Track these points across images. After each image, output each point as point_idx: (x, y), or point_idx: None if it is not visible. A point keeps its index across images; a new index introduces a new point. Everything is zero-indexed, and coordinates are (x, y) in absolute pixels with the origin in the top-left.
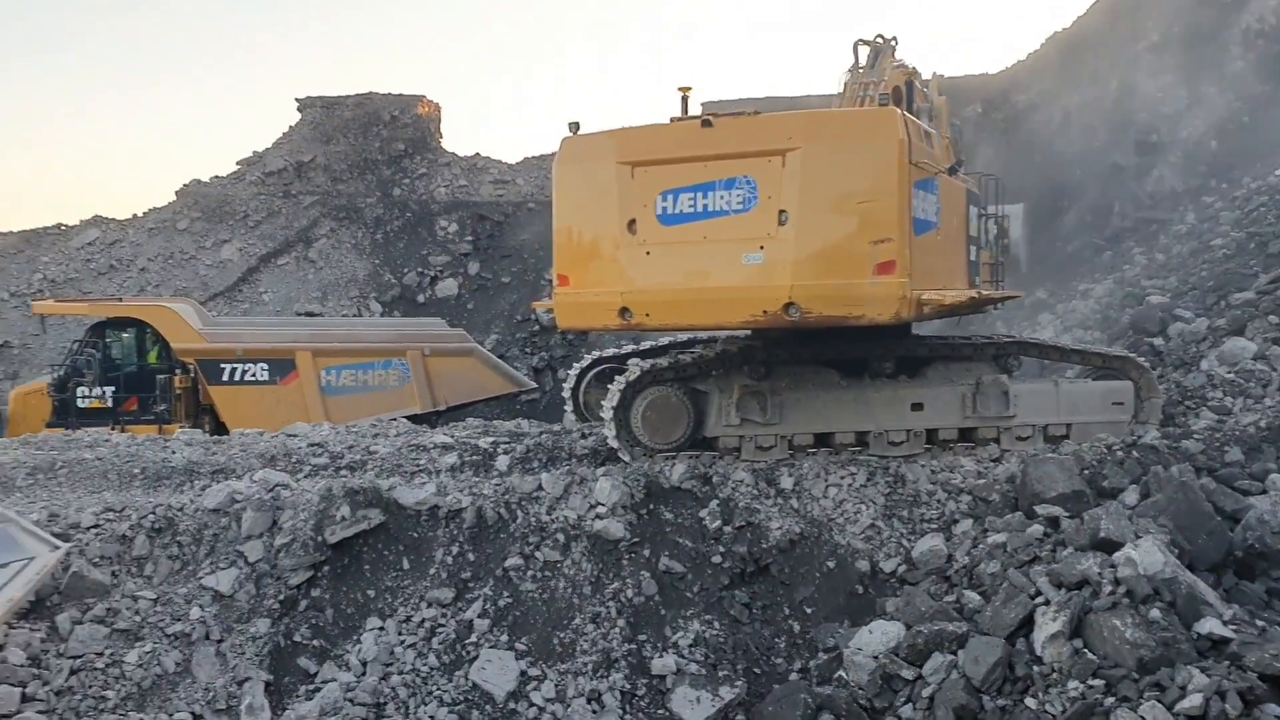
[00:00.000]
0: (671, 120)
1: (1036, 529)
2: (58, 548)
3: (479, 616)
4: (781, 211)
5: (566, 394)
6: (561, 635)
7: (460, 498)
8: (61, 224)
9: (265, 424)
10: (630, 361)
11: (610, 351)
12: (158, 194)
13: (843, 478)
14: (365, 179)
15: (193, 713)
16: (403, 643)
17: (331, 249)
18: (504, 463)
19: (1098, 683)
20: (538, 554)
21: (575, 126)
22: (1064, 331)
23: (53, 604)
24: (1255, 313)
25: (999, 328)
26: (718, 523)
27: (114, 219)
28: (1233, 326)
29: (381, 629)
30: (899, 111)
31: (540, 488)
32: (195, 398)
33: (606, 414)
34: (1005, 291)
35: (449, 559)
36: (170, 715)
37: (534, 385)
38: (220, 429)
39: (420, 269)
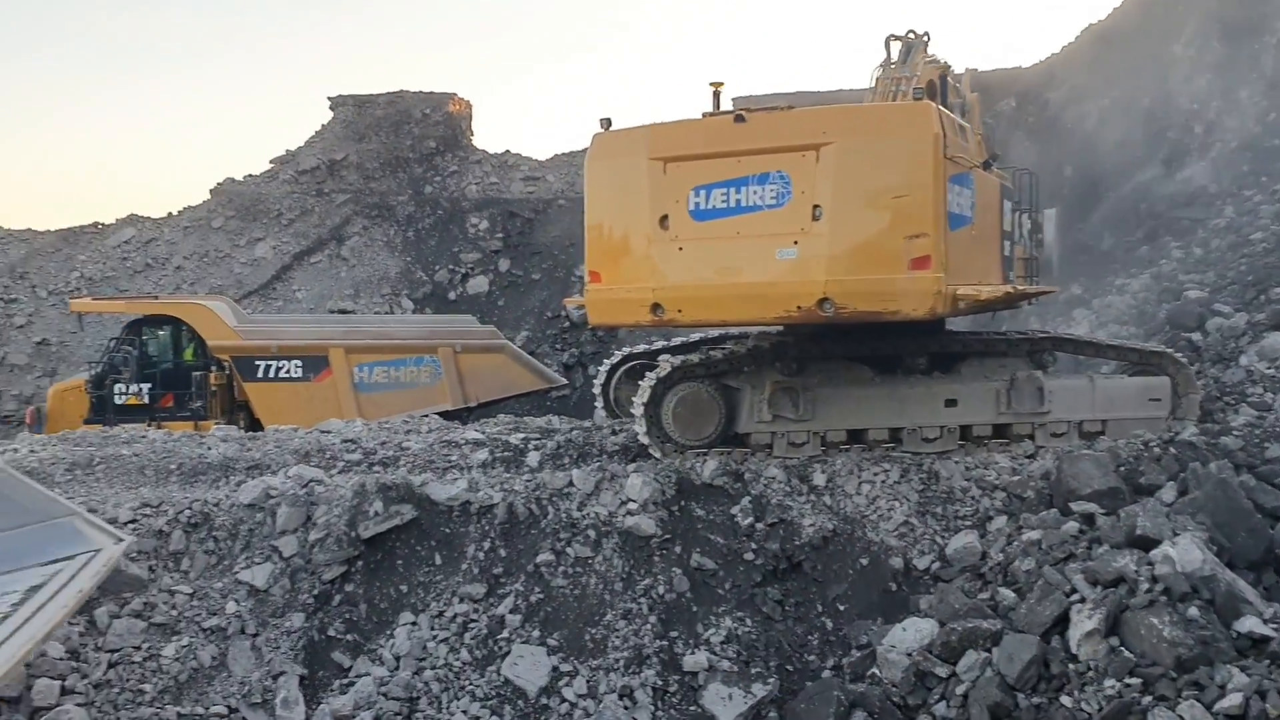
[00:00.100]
0: (704, 115)
1: (1072, 526)
2: (121, 540)
3: (511, 612)
4: (815, 206)
5: (597, 390)
6: (593, 631)
7: (491, 494)
8: (98, 223)
9: (299, 420)
10: (661, 358)
11: (641, 348)
12: (192, 193)
13: (876, 474)
14: (397, 177)
15: (229, 706)
16: (435, 638)
17: (364, 247)
18: (535, 459)
19: (1135, 681)
20: (569, 550)
21: (607, 122)
22: (1099, 327)
23: (91, 598)
24: None
25: (1032, 323)
26: (750, 519)
27: (149, 218)
28: (1272, 321)
29: (414, 624)
30: (934, 105)
31: (571, 484)
32: (230, 394)
33: (637, 410)
34: (1040, 287)
35: (481, 554)
36: (206, 709)
37: (564, 382)
38: (255, 425)
39: (451, 266)
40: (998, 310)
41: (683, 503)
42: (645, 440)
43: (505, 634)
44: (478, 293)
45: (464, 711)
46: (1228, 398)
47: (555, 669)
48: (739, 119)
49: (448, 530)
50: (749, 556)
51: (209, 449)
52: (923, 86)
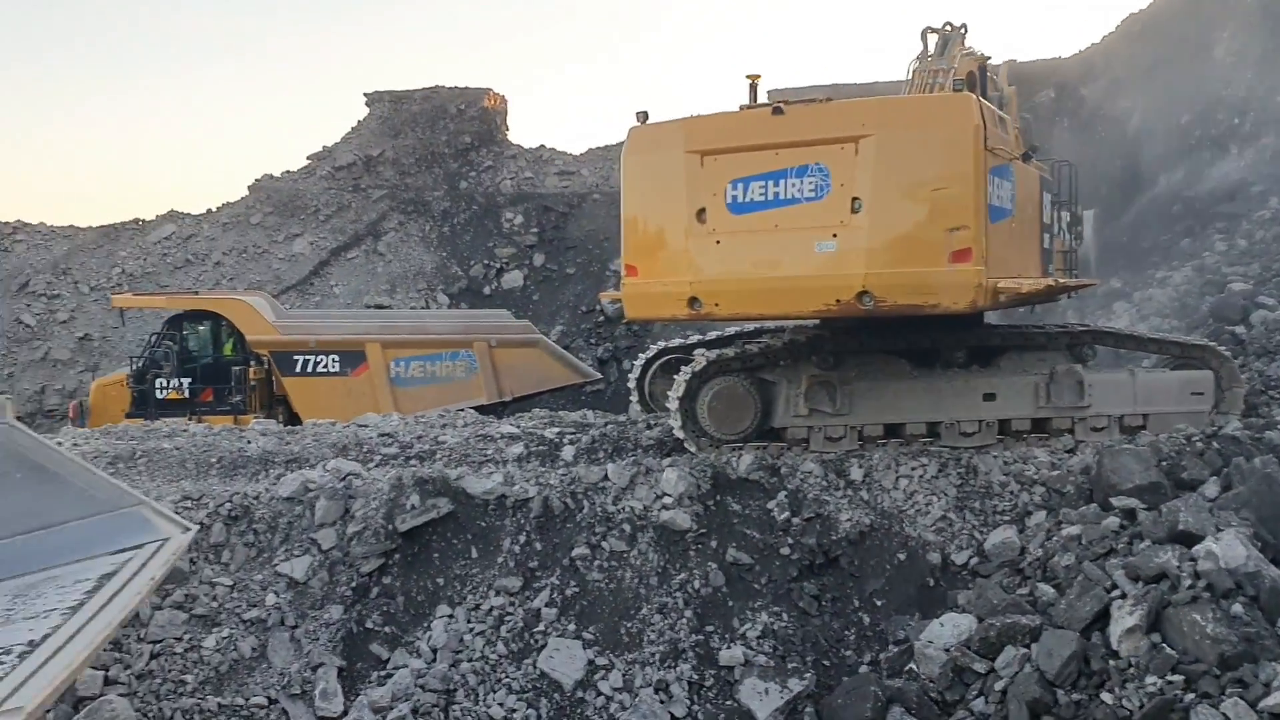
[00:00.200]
0: (741, 108)
1: (1112, 521)
2: (188, 529)
3: (546, 605)
4: (855, 199)
5: (632, 385)
6: (629, 625)
7: (527, 487)
8: (139, 219)
9: (336, 414)
10: (696, 352)
11: (676, 342)
12: (231, 189)
13: (913, 469)
14: (432, 172)
15: (268, 697)
16: (472, 630)
17: (400, 242)
18: (570, 453)
19: (1176, 678)
20: (604, 544)
21: (643, 116)
22: (1140, 320)
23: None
24: None
25: (1069, 317)
26: (786, 514)
27: (189, 214)
28: None
29: (451, 617)
30: (974, 97)
31: (606, 478)
32: (269, 389)
33: (672, 405)
34: (1080, 280)
35: (516, 548)
36: (246, 699)
37: (599, 376)
38: (293, 419)
39: (486, 261)
40: (1036, 303)
41: (718, 497)
42: (680, 435)
43: (541, 627)
44: (512, 287)
45: (500, 704)
46: (1272, 392)
47: (591, 662)
48: (777, 111)
49: (483, 524)
50: (785, 551)
51: (249, 443)
52: (963, 78)
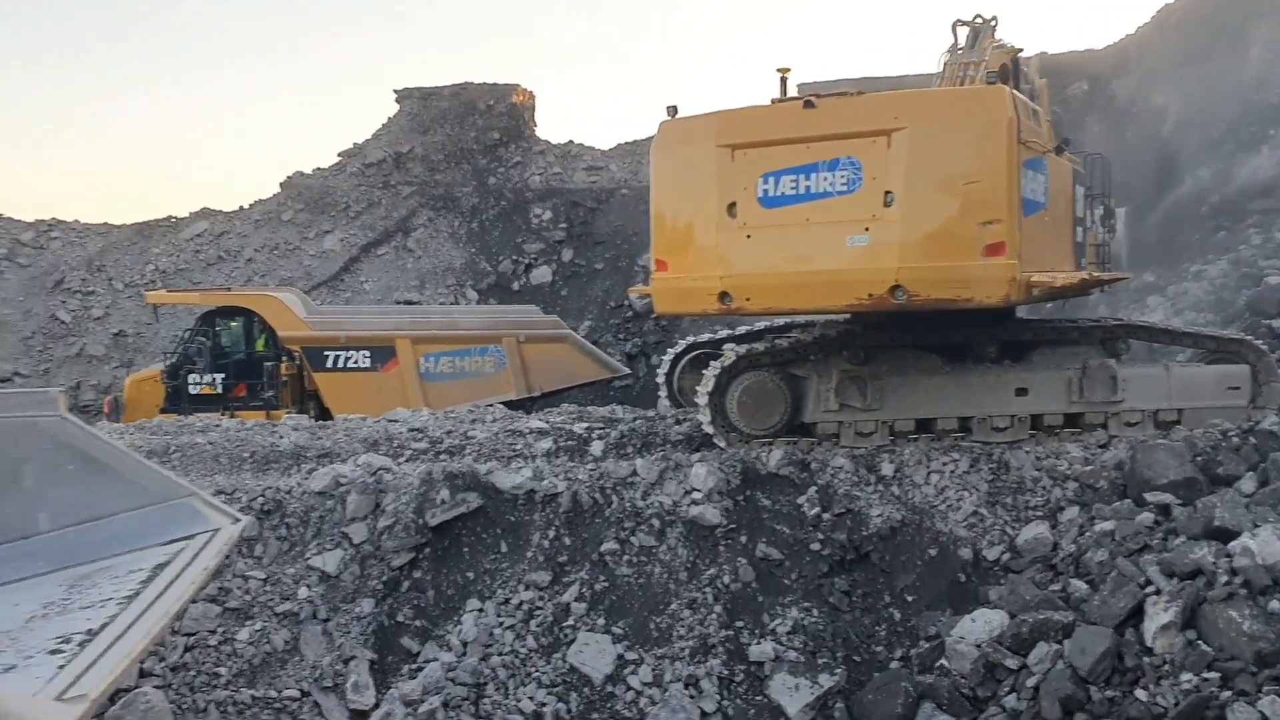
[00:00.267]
0: (772, 102)
1: (1146, 517)
2: (238, 520)
3: (576, 600)
4: (887, 193)
5: (661, 380)
6: (658, 620)
7: (556, 482)
8: (172, 216)
9: (367, 409)
10: (726, 347)
11: (705, 337)
12: (263, 186)
13: (945, 464)
14: (461, 168)
15: (301, 690)
16: (501, 624)
17: (429, 238)
18: (598, 448)
19: (1212, 675)
20: (633, 539)
21: (673, 110)
22: (1175, 314)
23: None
24: None
25: (1101, 311)
26: (816, 509)
27: (221, 211)
28: None
29: (481, 610)
30: (1007, 89)
31: (635, 473)
32: (301, 384)
33: (702, 400)
34: (1114, 273)
35: (545, 543)
36: (279, 692)
37: (627, 371)
38: (325, 414)
39: (515, 257)
40: (1070, 297)
41: (748, 492)
42: (710, 430)
43: (570, 621)
44: (541, 283)
45: (530, 697)
46: None
47: (620, 657)
48: (808, 105)
49: (513, 518)
50: (815, 547)
51: (281, 437)
52: (995, 71)
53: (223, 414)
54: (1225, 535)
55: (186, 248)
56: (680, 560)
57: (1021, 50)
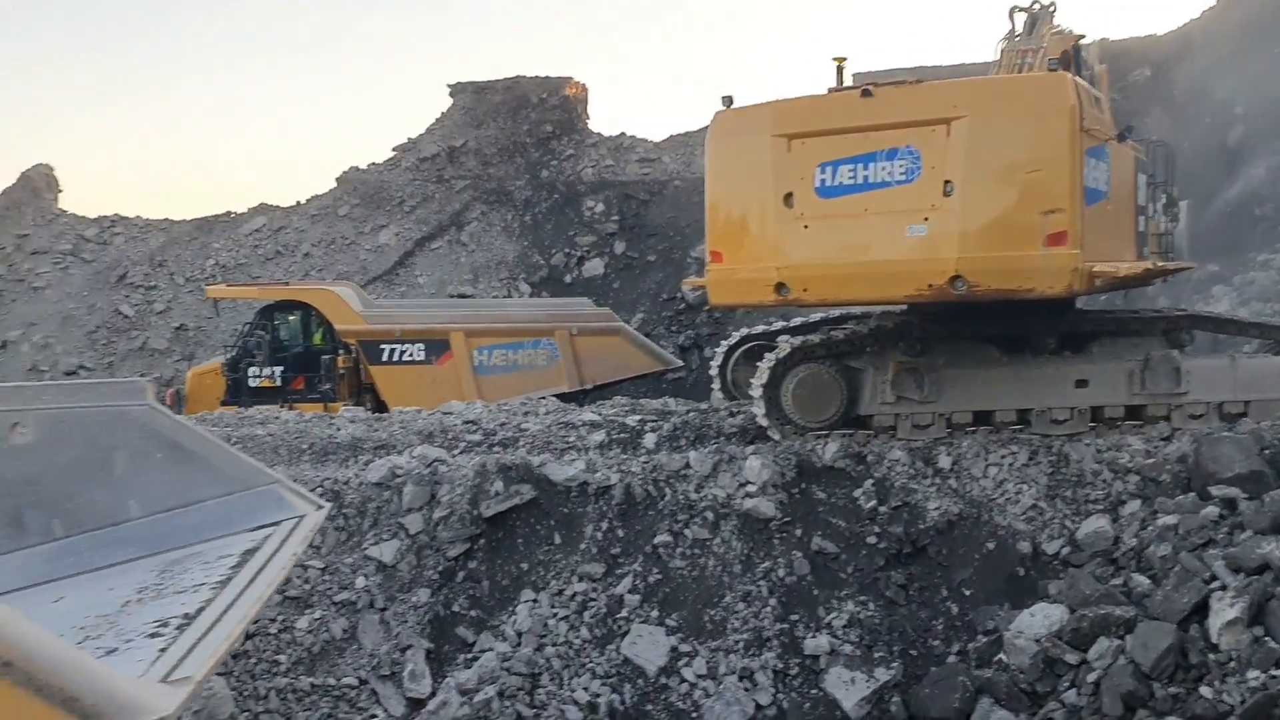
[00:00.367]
0: (829, 91)
1: (1211, 511)
2: (321, 507)
3: (629, 592)
4: (946, 182)
5: (714, 372)
6: (712, 613)
7: (609, 475)
8: (231, 212)
9: (422, 402)
10: (780, 338)
11: (759, 328)
12: (319, 182)
13: (1003, 457)
14: (514, 162)
15: (359, 678)
16: (555, 615)
17: (482, 232)
18: (651, 440)
19: None
20: (686, 531)
21: (729, 100)
22: (1241, 304)
23: None
24: None
25: (1162, 302)
26: (873, 503)
27: (279, 206)
28: None
29: (535, 601)
30: (1069, 76)
31: (688, 466)
32: (357, 377)
33: (756, 392)
34: (1178, 263)
35: (599, 535)
36: (338, 680)
37: (680, 363)
38: (380, 407)
39: (567, 249)
40: (1132, 287)
41: (803, 485)
42: (764, 422)
43: (624, 613)
44: (593, 275)
45: (585, 688)
46: None
47: (674, 649)
48: (866, 93)
49: (566, 510)
50: (872, 540)
51: (338, 429)
52: (1056, 58)
53: (281, 406)
54: None
55: (245, 243)
56: (734, 553)
57: (1083, 37)
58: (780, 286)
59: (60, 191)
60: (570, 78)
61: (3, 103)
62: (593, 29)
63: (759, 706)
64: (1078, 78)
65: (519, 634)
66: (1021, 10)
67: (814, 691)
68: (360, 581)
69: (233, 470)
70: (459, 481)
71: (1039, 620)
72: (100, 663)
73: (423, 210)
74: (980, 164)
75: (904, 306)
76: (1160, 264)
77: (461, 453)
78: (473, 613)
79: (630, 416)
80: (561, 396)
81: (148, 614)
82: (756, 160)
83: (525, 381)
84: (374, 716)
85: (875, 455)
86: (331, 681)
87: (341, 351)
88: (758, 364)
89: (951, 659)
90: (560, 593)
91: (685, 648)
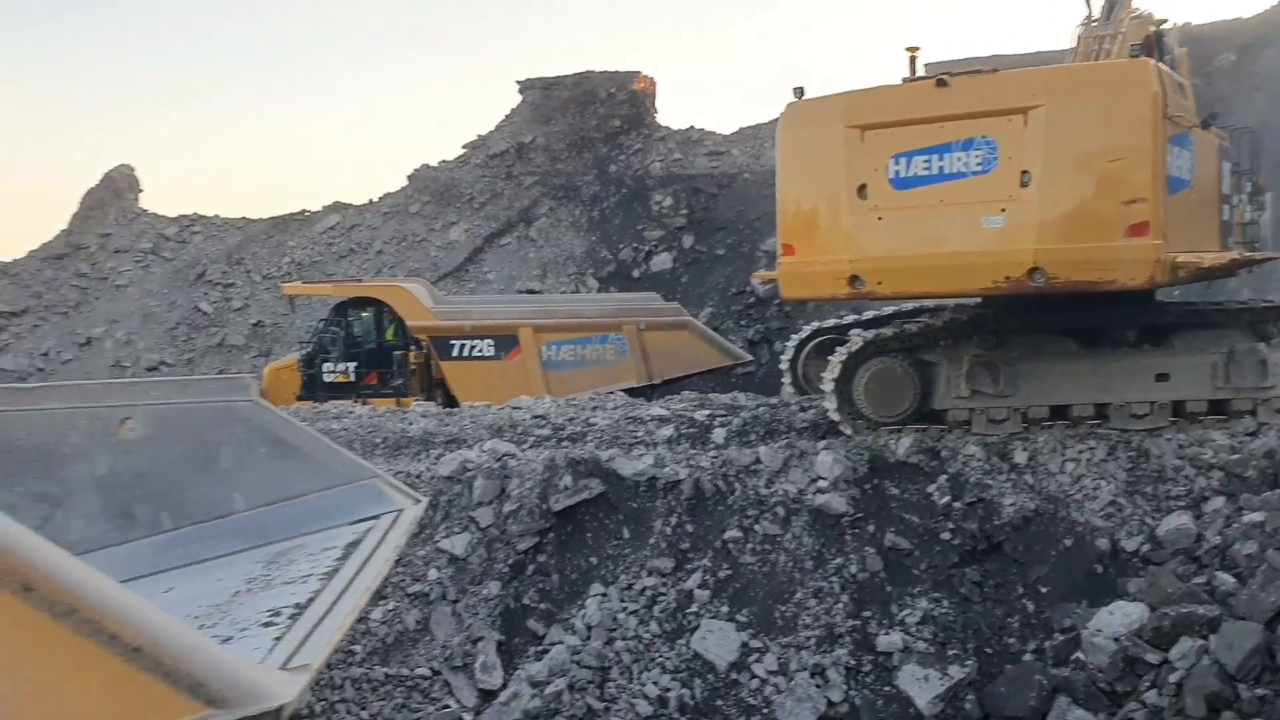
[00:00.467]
0: (903, 81)
1: None
2: (419, 501)
3: (699, 587)
4: (1024, 172)
5: (784, 366)
6: (783, 609)
7: (678, 469)
8: (305, 210)
9: (491, 397)
10: (852, 332)
11: (830, 322)
12: (391, 180)
13: (1081, 452)
14: (582, 157)
15: (432, 668)
16: (625, 609)
17: (550, 227)
18: (720, 435)
19: None
20: (756, 527)
21: (800, 91)
22: None
23: None
24: None
25: (1244, 294)
26: (947, 498)
27: (352, 205)
28: None
29: (604, 595)
30: (1152, 62)
31: (758, 461)
32: (428, 372)
33: (827, 386)
34: (1263, 253)
35: (668, 529)
36: (411, 670)
37: (749, 358)
38: (451, 402)
39: (635, 244)
40: (1217, 278)
41: (875, 481)
42: (835, 417)
43: (694, 608)
44: (661, 270)
45: (654, 683)
46: None
47: (745, 645)
48: (941, 83)
49: (635, 505)
50: (946, 536)
51: (410, 424)
52: (1139, 43)
53: (355, 401)
54: None
55: (319, 240)
56: (805, 549)
57: (1165, 21)
58: (854, 279)
59: (141, 191)
60: (639, 72)
61: (87, 105)
62: (662, 21)
63: (831, 703)
64: (1159, 63)
65: (588, 628)
66: None
67: (886, 689)
68: (432, 574)
69: (334, 464)
70: (528, 476)
71: (1118, 618)
72: (224, 649)
73: (492, 207)
74: (1059, 153)
75: (978, 299)
76: (1245, 254)
77: (530, 447)
78: (542, 606)
79: (699, 411)
80: (630, 391)
81: (259, 604)
82: (829, 152)
83: (593, 376)
84: (446, 707)
85: (949, 450)
86: (405, 672)
87: (413, 347)
88: (829, 358)
89: (1027, 657)
90: (629, 587)
91: (756, 643)
